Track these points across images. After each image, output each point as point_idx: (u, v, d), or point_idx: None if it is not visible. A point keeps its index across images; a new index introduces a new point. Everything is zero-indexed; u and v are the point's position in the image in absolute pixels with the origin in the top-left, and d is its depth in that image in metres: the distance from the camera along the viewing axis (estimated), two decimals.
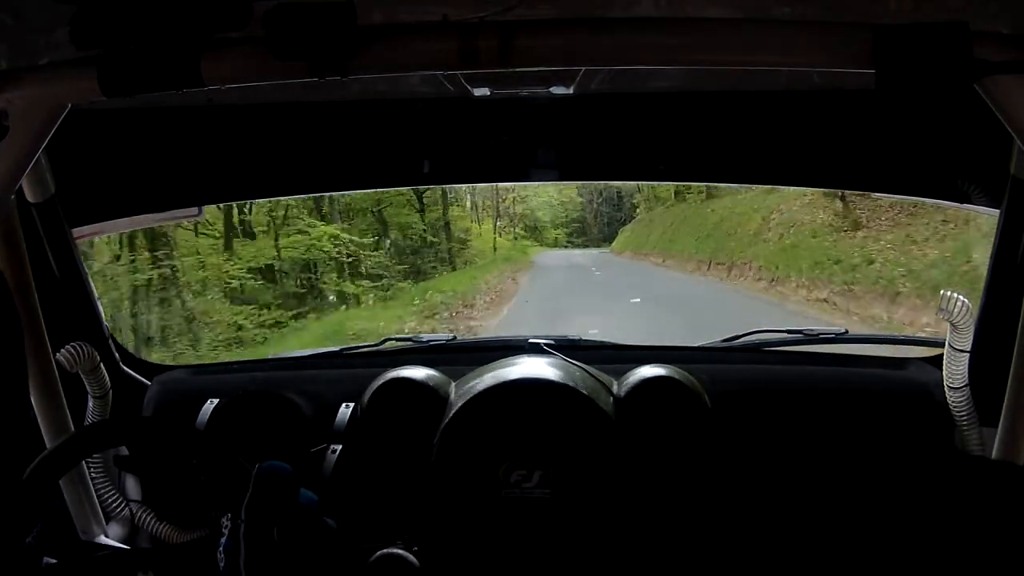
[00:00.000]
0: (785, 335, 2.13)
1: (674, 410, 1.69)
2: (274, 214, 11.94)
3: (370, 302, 12.53)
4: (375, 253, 13.63)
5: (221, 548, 1.20)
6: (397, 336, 2.15)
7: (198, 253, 10.45)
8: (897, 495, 1.71)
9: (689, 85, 1.72)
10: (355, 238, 13.18)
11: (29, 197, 1.67)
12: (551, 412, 1.63)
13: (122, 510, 1.82)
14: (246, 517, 1.17)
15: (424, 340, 2.09)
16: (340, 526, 1.42)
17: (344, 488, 1.71)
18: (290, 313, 11.01)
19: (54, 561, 1.23)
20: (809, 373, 1.95)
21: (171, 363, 2.09)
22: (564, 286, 14.65)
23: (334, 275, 12.70)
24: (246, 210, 11.33)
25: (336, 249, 12.58)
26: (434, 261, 15.92)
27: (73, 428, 1.64)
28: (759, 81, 1.65)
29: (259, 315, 10.34)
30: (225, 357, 9.04)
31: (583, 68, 1.47)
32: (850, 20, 1.17)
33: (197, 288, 10.31)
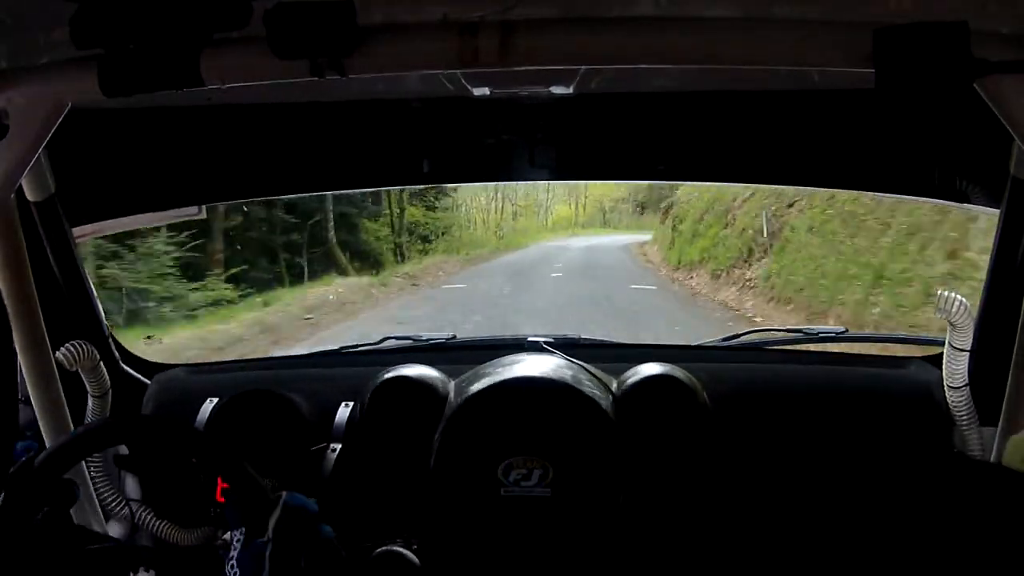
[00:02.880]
0: (784, 334, 2.13)
1: (673, 409, 1.69)
2: None
3: None
4: None
5: (234, 560, 1.20)
6: (396, 335, 2.15)
7: None
8: (895, 495, 1.71)
9: (689, 85, 1.72)
10: None
11: (29, 196, 1.67)
12: (550, 411, 1.63)
13: (122, 509, 1.82)
14: (274, 539, 1.19)
15: (423, 339, 2.10)
16: (340, 524, 1.43)
17: (344, 486, 1.71)
18: None
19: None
20: (808, 372, 1.95)
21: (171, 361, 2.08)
22: None
23: None
24: None
25: None
26: None
27: (73, 427, 1.64)
28: (759, 81, 1.65)
29: None
30: None
31: (583, 68, 1.47)
32: (850, 20, 1.17)
33: None
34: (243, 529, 1.22)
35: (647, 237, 20.54)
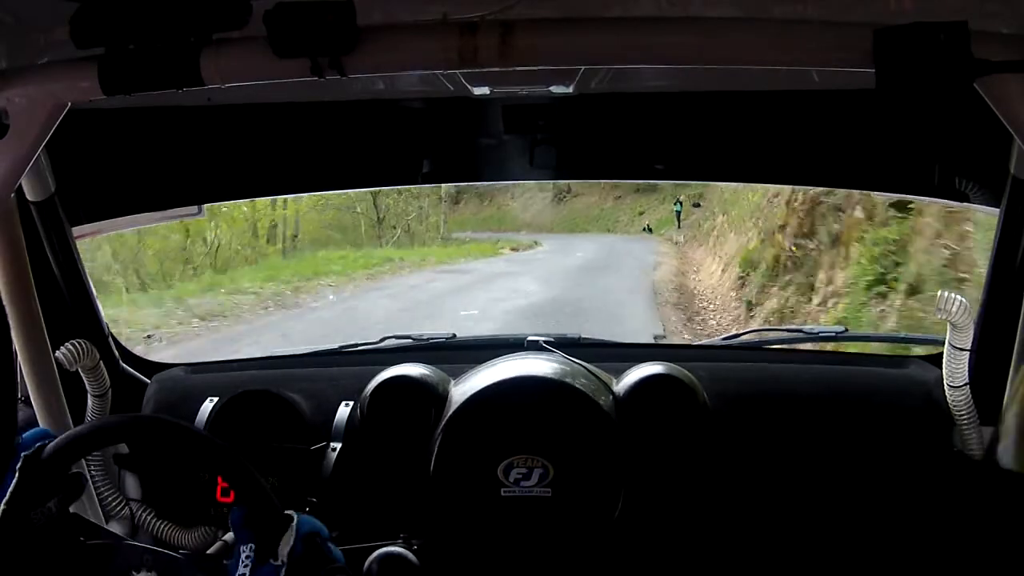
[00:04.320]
0: (785, 333, 2.14)
1: (673, 408, 1.69)
2: None
3: None
4: None
5: None
6: (396, 334, 2.15)
7: None
8: (895, 494, 1.71)
9: (689, 85, 1.72)
10: None
11: (29, 196, 1.67)
12: (550, 410, 1.63)
13: (122, 509, 1.82)
14: (288, 566, 1.18)
15: (423, 338, 2.10)
16: (340, 524, 1.42)
17: (344, 486, 1.71)
18: None
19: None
20: (809, 371, 1.95)
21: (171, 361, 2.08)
22: None
23: None
24: None
25: None
26: None
27: (72, 427, 1.64)
28: (759, 81, 1.65)
29: None
30: None
31: (583, 67, 1.47)
32: (850, 20, 1.17)
33: None
34: (251, 545, 1.19)
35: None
